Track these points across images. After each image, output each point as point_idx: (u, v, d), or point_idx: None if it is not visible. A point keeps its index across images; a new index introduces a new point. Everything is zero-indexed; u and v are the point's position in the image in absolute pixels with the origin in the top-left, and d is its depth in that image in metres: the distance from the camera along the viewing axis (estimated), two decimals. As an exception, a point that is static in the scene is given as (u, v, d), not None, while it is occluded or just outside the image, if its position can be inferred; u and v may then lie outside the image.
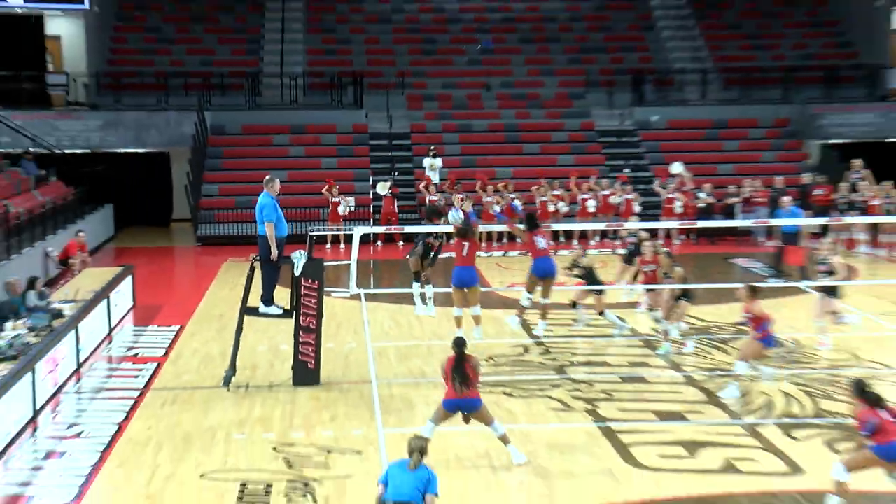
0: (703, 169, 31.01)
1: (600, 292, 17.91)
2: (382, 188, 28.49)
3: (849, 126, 33.73)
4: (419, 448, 8.74)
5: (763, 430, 12.98)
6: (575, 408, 13.98)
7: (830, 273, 16.71)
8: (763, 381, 14.62)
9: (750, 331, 14.55)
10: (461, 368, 11.45)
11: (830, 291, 16.78)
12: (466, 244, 16.12)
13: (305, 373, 15.09)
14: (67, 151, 32.05)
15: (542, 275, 17.01)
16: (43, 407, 14.15)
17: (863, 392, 10.32)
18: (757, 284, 14.96)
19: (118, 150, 33.08)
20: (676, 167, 29.39)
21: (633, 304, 19.30)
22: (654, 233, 27.59)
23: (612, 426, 13.17)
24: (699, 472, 11.63)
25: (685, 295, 16.82)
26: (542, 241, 17.05)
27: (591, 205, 28.57)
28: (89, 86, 34.18)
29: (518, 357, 16.53)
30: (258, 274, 15.28)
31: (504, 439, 11.76)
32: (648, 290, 17.53)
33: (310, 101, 34.33)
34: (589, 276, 17.84)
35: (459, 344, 11.60)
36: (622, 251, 19.79)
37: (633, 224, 20.30)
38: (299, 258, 15.02)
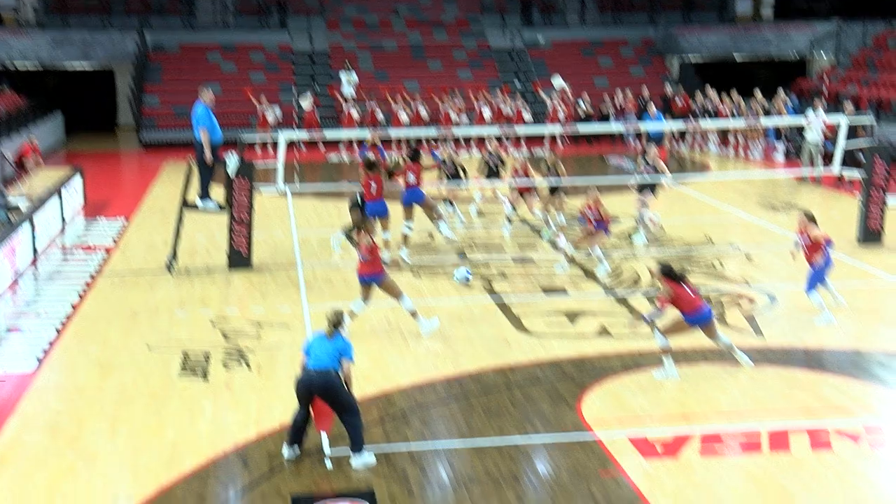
0: (581, 82, 30.88)
1: (457, 186, 17.70)
2: (305, 101, 27.78)
3: (703, 45, 33.83)
4: (333, 320, 8.55)
5: (631, 300, 13.11)
6: (474, 285, 13.94)
7: (654, 173, 16.40)
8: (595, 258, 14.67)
9: (588, 224, 14.39)
10: (358, 248, 11.26)
11: (650, 188, 16.56)
12: (374, 183, 14.90)
13: (239, 258, 14.79)
14: (20, 67, 30.60)
15: (409, 203, 15.52)
16: (4, 290, 13.63)
17: (669, 273, 10.30)
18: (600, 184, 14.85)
19: (66, 66, 31.68)
20: (556, 81, 29.17)
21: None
22: (540, 138, 27.75)
23: (506, 300, 13.17)
24: (578, 337, 11.71)
25: (564, 190, 16.71)
26: (411, 177, 15.48)
27: (487, 114, 28.29)
28: (38, 8, 32.50)
29: (424, 243, 16.39)
30: (195, 173, 14.82)
31: (412, 313, 11.61)
32: (520, 192, 17.05)
33: (240, 23, 33.24)
34: (456, 174, 17.50)
35: (348, 229, 11.40)
36: (483, 162, 18.46)
37: (492, 131, 19.48)
38: (232, 160, 14.60)
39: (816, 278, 12.13)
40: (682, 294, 10.25)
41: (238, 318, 12.43)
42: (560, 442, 8.79)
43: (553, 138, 28.16)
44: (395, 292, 11.52)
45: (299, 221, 18.25)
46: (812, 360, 10.87)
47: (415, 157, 15.53)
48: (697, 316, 10.27)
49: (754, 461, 8.41)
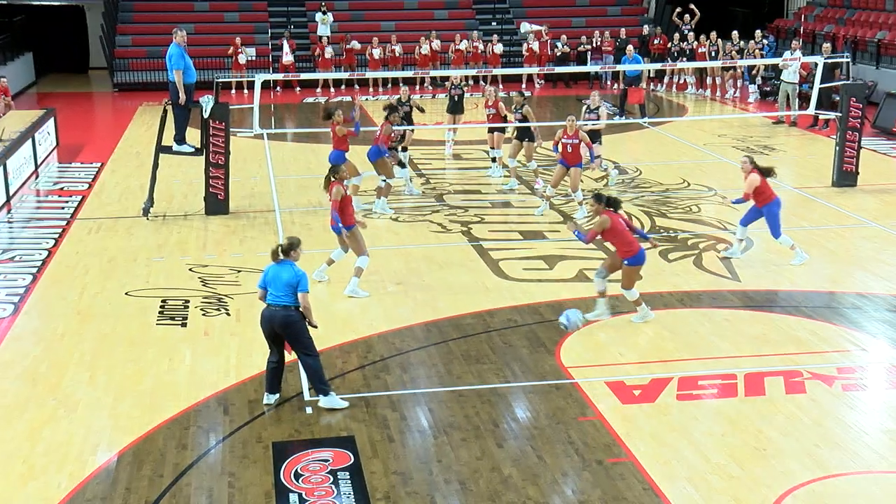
0: (559, 22, 30.53)
1: (412, 131, 17.08)
2: (284, 55, 27.17)
3: (680, -17, 33.48)
4: (285, 246, 8.45)
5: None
6: (452, 230, 13.89)
7: (597, 120, 15.95)
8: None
9: (563, 152, 14.11)
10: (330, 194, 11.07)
11: (594, 136, 15.77)
12: (331, 132, 14.33)
13: (216, 203, 14.65)
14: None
15: (369, 159, 14.76)
16: (-22, 237, 13.48)
17: (605, 200, 10.12)
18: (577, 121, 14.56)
19: (34, 3, 30.95)
20: (524, 27, 28.82)
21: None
22: (518, 78, 27.58)
23: (484, 245, 13.15)
24: (557, 281, 11.73)
25: (530, 138, 15.92)
26: (378, 130, 14.84)
27: (463, 46, 28.03)
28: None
29: (402, 187, 16.27)
30: (171, 116, 14.61)
31: (358, 271, 11.17)
32: (490, 132, 16.80)
33: (212, -40, 32.49)
34: (408, 118, 16.75)
35: (328, 173, 11.21)
36: (447, 99, 18.27)
37: (457, 73, 19.19)
38: (207, 102, 14.40)
39: (772, 222, 12.12)
40: (619, 227, 10.00)
41: (216, 264, 12.36)
42: (539, 387, 8.85)
43: (529, 79, 28.07)
44: (358, 248, 11.17)
45: (275, 165, 18.08)
46: (787, 303, 10.96)
47: (389, 113, 15.04)
48: (635, 258, 10.07)
49: (730, 404, 8.51)
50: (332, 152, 14.27)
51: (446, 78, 26.56)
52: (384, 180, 14.66)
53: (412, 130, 17.17)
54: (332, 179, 11.06)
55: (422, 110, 17.47)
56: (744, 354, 9.50)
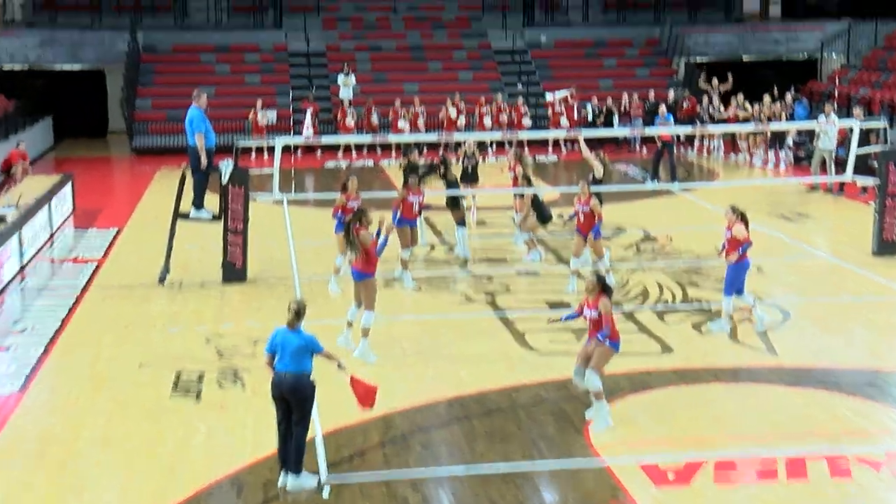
0: (585, 84, 30.66)
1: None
2: (307, 129, 27.28)
3: (709, 45, 33.77)
4: (296, 309, 8.36)
5: (639, 316, 12.96)
6: (476, 299, 13.79)
7: (595, 180, 15.40)
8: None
9: (577, 221, 13.90)
10: (351, 238, 11.01)
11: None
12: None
13: (233, 271, 14.64)
14: (6, 67, 30.51)
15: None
16: (-10, 305, 13.52)
17: (607, 287, 9.62)
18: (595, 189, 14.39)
19: (55, 67, 31.57)
20: (548, 96, 29.02)
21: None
22: (542, 142, 27.69)
23: (509, 315, 13.02)
24: (585, 355, 11.54)
25: (538, 213, 15.59)
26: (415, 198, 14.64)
27: (487, 122, 28.11)
28: (25, 5, 32.39)
29: (425, 255, 16.24)
30: (189, 181, 14.70)
31: (366, 331, 11.15)
32: (515, 196, 16.76)
33: (234, 23, 33.10)
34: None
35: (352, 218, 11.21)
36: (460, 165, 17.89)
37: (471, 137, 19.15)
38: (226, 167, 14.47)
39: (732, 280, 11.98)
40: (611, 312, 9.57)
41: (233, 334, 12.29)
42: (567, 468, 8.65)
43: (556, 143, 28.21)
44: (369, 301, 11.18)
45: (295, 231, 18.11)
46: (828, 379, 10.71)
47: (405, 178, 14.95)
48: (618, 343, 9.60)
49: (771, 489, 8.26)
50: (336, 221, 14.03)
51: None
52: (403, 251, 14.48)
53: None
54: (359, 224, 10.99)
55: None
56: (784, 435, 9.26)
